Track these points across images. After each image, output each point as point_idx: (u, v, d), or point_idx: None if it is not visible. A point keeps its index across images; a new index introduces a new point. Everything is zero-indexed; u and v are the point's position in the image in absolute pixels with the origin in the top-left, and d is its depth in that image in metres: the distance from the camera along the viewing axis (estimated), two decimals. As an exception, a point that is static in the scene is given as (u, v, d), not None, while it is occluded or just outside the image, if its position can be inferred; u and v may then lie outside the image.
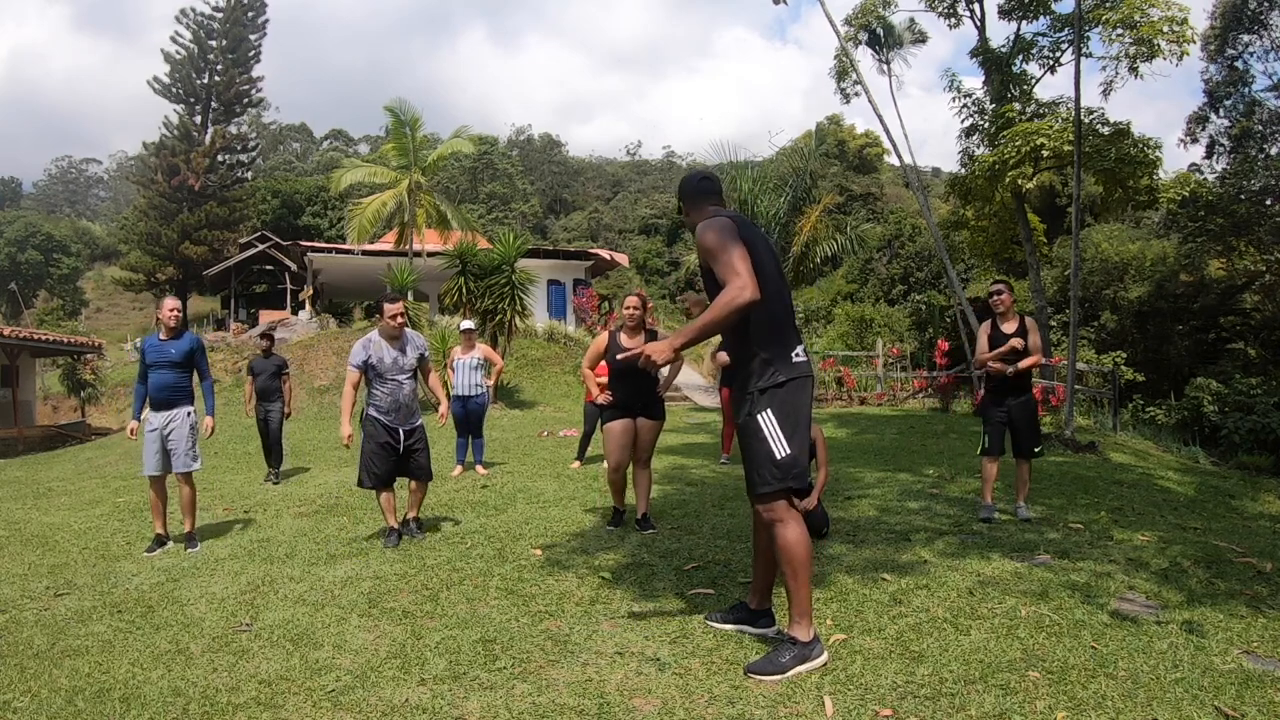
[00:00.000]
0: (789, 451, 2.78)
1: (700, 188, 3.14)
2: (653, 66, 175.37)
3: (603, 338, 5.10)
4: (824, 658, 2.79)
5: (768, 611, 3.12)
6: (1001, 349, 5.19)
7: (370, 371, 4.87)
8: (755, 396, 2.83)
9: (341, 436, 4.95)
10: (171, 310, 5.14)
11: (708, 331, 2.70)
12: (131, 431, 5.18)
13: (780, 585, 3.37)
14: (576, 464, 7.84)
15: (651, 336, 4.94)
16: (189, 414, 5.14)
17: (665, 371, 5.07)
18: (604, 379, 5.23)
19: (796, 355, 2.88)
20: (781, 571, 2.83)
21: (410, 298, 16.17)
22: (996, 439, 5.21)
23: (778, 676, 2.68)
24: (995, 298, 5.32)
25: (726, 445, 7.76)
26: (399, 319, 4.87)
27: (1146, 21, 13.30)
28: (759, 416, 2.81)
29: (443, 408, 5.24)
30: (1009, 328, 5.24)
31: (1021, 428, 5.22)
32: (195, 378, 5.26)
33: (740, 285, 2.64)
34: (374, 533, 5.14)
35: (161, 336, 5.13)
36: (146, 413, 5.10)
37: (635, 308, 4.93)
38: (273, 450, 8.02)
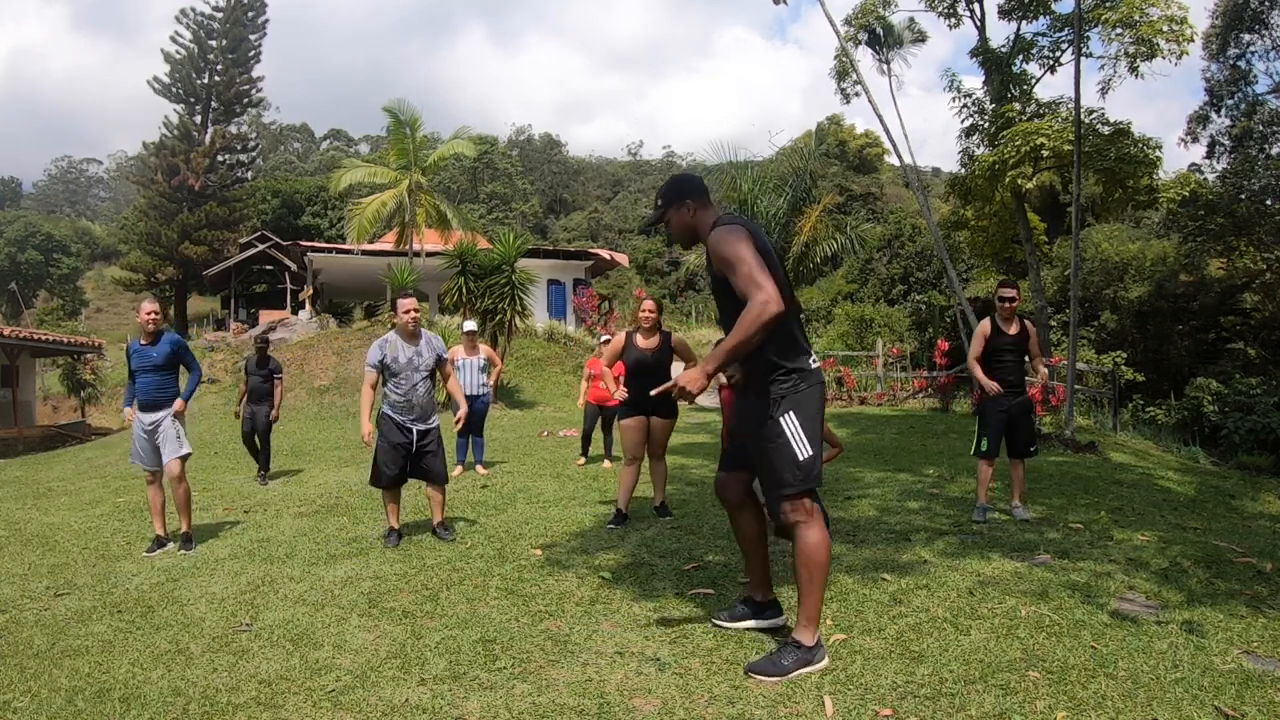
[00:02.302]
0: (810, 452, 2.77)
1: (703, 188, 3.02)
2: (653, 66, 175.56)
3: (620, 338, 5.31)
4: (825, 662, 2.79)
5: (773, 602, 3.13)
6: (994, 387, 5.11)
7: (385, 370, 4.84)
8: (777, 401, 2.80)
9: (363, 435, 4.88)
10: (149, 314, 5.05)
11: (740, 351, 2.62)
12: (127, 418, 5.23)
13: (785, 582, 3.38)
14: (582, 461, 8.04)
15: (666, 339, 5.17)
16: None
17: (677, 373, 5.24)
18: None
19: (813, 361, 2.88)
20: (798, 574, 2.81)
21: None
22: (995, 441, 5.16)
23: (779, 678, 2.68)
24: (1007, 304, 5.18)
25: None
26: (412, 314, 4.84)
27: (1146, 21, 13.30)
28: (782, 419, 2.77)
29: (461, 411, 5.18)
30: (1012, 330, 5.20)
31: (1019, 427, 5.19)
32: (182, 374, 5.23)
33: (764, 299, 2.56)
34: (375, 533, 5.14)
35: (142, 341, 5.10)
36: (136, 413, 5.11)
37: (652, 311, 5.16)
38: (261, 450, 7.96)
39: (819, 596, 2.79)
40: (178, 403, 5.11)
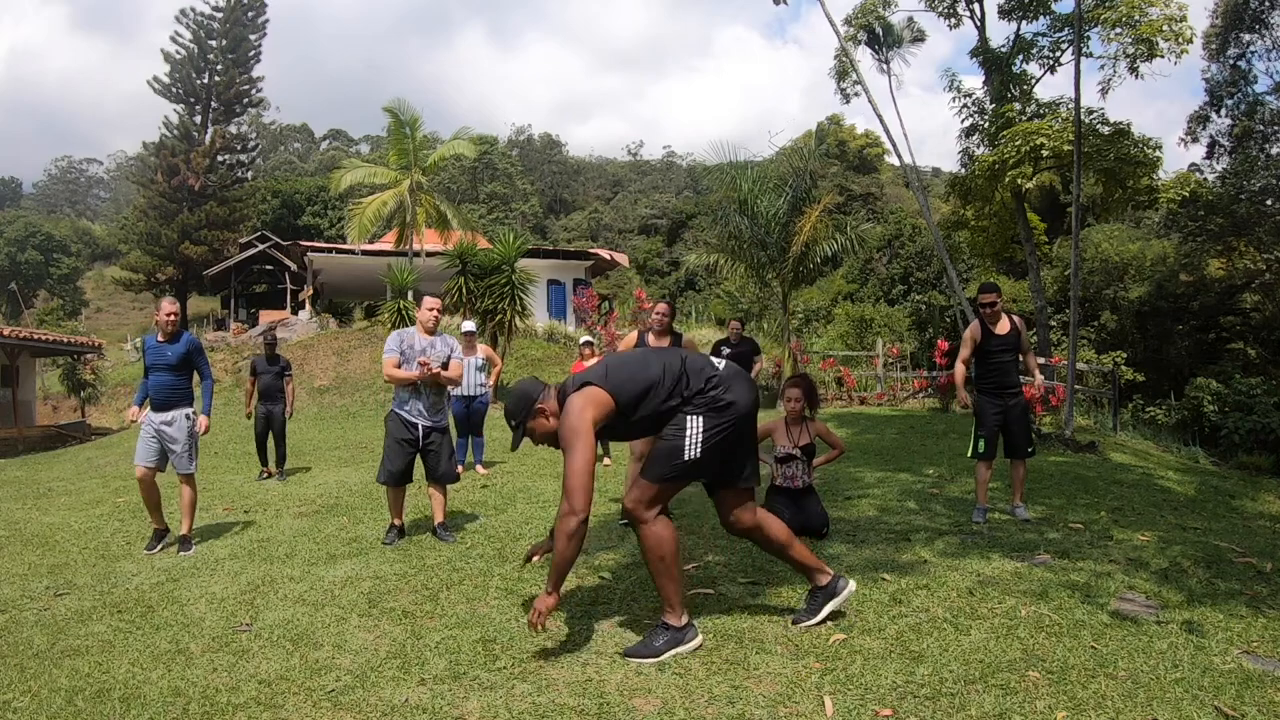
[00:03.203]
0: (696, 456, 2.91)
1: (541, 387, 3.11)
2: (652, 66, 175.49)
3: (632, 336, 5.44)
4: (698, 640, 2.96)
5: (836, 577, 3.18)
6: (965, 399, 5.37)
7: (401, 358, 4.95)
8: (690, 410, 2.96)
9: (427, 370, 4.81)
10: (168, 315, 5.09)
11: (567, 565, 2.83)
12: (131, 416, 5.23)
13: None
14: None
15: (677, 339, 5.32)
16: (188, 415, 5.14)
17: None
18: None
19: (726, 395, 2.97)
20: (650, 567, 2.98)
21: (410, 297, 16.17)
22: (992, 442, 5.16)
23: (653, 660, 2.84)
24: (987, 309, 5.18)
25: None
26: (435, 312, 5.05)
27: (1145, 21, 13.32)
28: (690, 416, 2.94)
29: (453, 370, 5.12)
30: (1001, 329, 5.20)
31: (1016, 428, 5.18)
32: (195, 377, 5.26)
33: (566, 511, 2.76)
34: (375, 533, 5.14)
35: (159, 339, 5.13)
36: (147, 412, 5.11)
37: (665, 314, 5.31)
38: (277, 449, 8.11)
39: (676, 582, 2.96)
40: (203, 420, 5.19)
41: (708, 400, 2.95)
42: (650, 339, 5.29)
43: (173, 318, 5.10)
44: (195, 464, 5.20)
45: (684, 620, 2.94)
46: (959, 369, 5.36)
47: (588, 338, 8.68)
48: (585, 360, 8.33)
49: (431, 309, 5.07)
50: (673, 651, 2.88)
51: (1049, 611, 3.26)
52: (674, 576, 2.95)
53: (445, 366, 4.99)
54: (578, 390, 2.94)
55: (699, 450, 2.91)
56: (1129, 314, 21.63)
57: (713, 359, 3.16)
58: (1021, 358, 5.27)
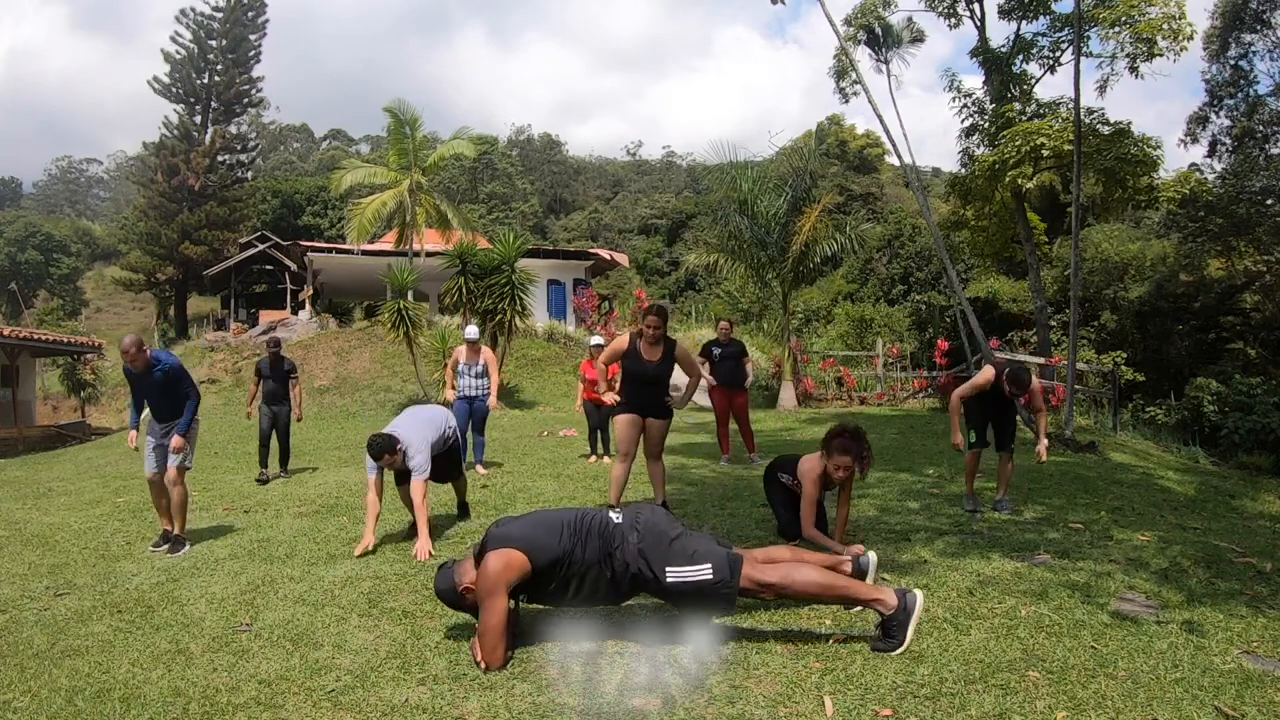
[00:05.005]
0: (717, 576, 3.00)
1: (448, 576, 3.19)
2: (652, 66, 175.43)
3: (624, 339, 5.28)
4: (919, 596, 3.01)
5: (903, 592, 3.07)
6: (960, 441, 5.34)
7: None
8: (656, 573, 3.06)
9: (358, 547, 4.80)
10: (124, 355, 4.95)
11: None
12: (132, 440, 5.33)
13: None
14: (593, 459, 8.11)
15: (670, 348, 5.14)
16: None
17: (683, 388, 5.43)
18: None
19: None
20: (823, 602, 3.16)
21: (410, 297, 16.16)
22: (981, 434, 5.39)
23: (902, 645, 2.90)
24: (1016, 398, 5.31)
25: (724, 445, 7.79)
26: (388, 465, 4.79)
27: (1145, 20, 13.32)
28: (677, 574, 3.03)
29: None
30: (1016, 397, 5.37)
31: (1001, 420, 5.41)
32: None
33: (484, 665, 2.87)
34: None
35: (136, 369, 5.05)
36: (149, 422, 5.19)
37: (656, 327, 5.10)
38: (281, 446, 8.14)
39: (850, 590, 3.06)
40: (176, 439, 5.06)
41: (646, 548, 3.05)
42: (642, 347, 5.14)
43: (128, 357, 4.95)
44: (187, 462, 5.21)
45: (893, 599, 2.93)
46: (954, 403, 5.42)
47: (597, 339, 8.65)
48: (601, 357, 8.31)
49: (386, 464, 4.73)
50: (912, 624, 2.91)
51: (1049, 611, 3.26)
52: (847, 591, 3.02)
53: (405, 476, 4.80)
54: (495, 551, 3.02)
55: (708, 572, 2.98)
56: (1129, 314, 21.60)
57: (610, 514, 3.21)
58: (1032, 414, 5.44)
